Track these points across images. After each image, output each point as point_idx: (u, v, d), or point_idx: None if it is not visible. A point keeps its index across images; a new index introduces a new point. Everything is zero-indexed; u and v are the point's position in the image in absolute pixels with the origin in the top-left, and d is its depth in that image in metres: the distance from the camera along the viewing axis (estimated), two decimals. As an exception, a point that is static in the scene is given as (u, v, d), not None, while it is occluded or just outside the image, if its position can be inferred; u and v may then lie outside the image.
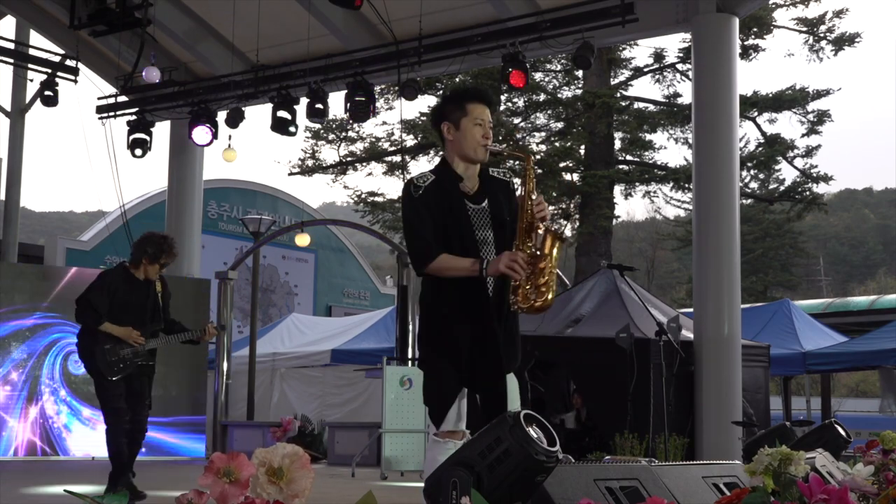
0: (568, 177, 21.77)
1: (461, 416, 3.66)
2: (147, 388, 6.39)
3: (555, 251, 3.65)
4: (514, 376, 3.77)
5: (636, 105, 22.31)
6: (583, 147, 21.61)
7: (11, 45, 14.73)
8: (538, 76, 21.94)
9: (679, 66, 21.68)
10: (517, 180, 3.91)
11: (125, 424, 6.16)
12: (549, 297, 3.66)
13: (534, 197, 3.70)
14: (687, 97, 21.76)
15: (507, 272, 3.57)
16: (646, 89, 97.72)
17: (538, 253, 3.63)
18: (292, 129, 12.13)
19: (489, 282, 3.70)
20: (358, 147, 23.66)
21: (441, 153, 3.99)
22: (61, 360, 11.16)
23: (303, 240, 17.01)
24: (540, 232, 3.67)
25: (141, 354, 6.23)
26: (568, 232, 23.92)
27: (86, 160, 34.91)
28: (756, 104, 21.43)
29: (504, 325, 3.74)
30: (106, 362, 6.11)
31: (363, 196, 23.47)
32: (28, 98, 16.26)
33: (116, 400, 6.15)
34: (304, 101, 12.10)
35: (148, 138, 13.20)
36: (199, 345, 7.16)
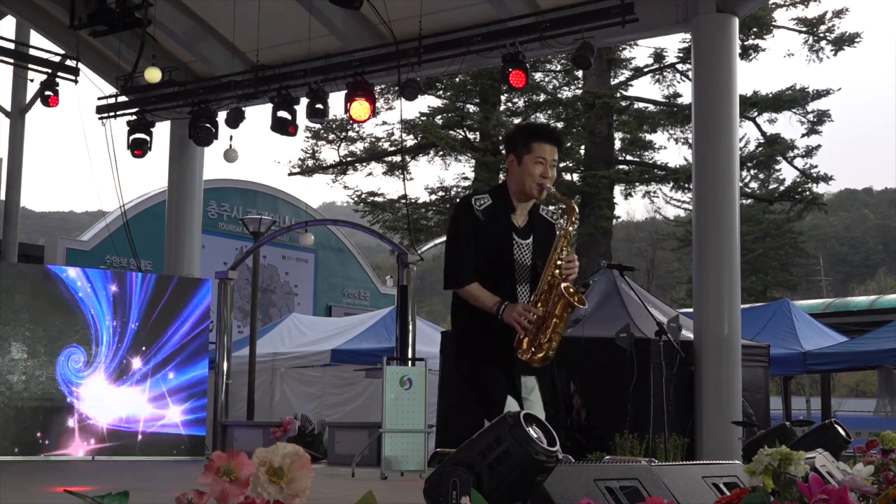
0: (568, 177, 21.78)
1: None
2: None
3: (566, 314, 3.82)
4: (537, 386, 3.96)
5: (636, 105, 22.33)
6: (583, 147, 21.63)
7: (11, 45, 14.73)
8: (538, 76, 21.97)
9: (679, 66, 21.70)
10: (561, 220, 4.02)
11: None
12: (549, 354, 3.84)
13: (563, 255, 3.84)
14: (687, 97, 21.79)
15: (514, 325, 3.78)
16: (646, 89, 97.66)
17: (548, 312, 3.80)
18: (292, 129, 12.14)
19: (520, 294, 3.91)
20: (358, 147, 23.69)
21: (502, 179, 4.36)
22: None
23: (307, 240, 17.00)
24: (562, 287, 3.79)
25: None
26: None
27: (86, 160, 34.84)
28: (756, 104, 21.45)
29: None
30: None
31: (363, 196, 23.49)
32: (28, 98, 16.26)
33: None
34: (304, 101, 12.10)
35: (148, 138, 13.20)
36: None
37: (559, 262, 3.82)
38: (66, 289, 11.20)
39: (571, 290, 3.81)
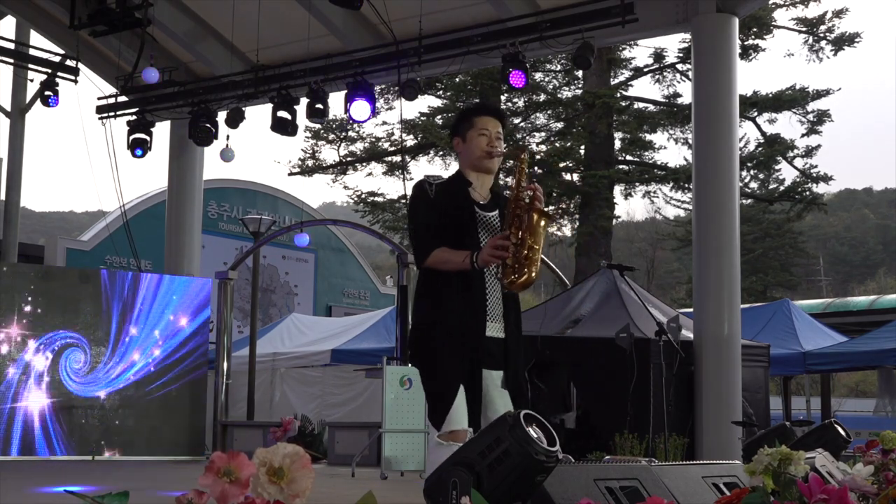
0: (568, 177, 21.77)
1: (463, 415, 3.59)
2: None
3: (541, 226, 3.65)
4: (506, 392, 3.74)
5: (636, 105, 22.31)
6: (583, 147, 21.61)
7: (11, 45, 14.73)
8: (538, 76, 21.95)
9: (679, 66, 21.69)
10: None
11: None
12: (531, 277, 3.64)
13: (524, 184, 3.71)
14: (687, 97, 21.78)
15: (491, 259, 3.61)
16: (646, 89, 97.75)
17: (523, 228, 3.63)
18: (292, 129, 12.14)
19: (489, 285, 3.74)
20: (358, 147, 23.68)
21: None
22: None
23: (302, 240, 17.03)
24: (534, 208, 3.66)
25: None
26: (567, 232, 23.91)
27: (86, 160, 34.81)
28: (756, 104, 21.44)
29: (512, 325, 3.78)
30: None
31: (363, 196, 23.48)
32: (28, 98, 16.26)
33: None
34: (304, 101, 12.10)
35: (148, 138, 13.20)
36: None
37: (519, 192, 3.69)
38: (99, 291, 11.32)
39: (541, 208, 3.68)
